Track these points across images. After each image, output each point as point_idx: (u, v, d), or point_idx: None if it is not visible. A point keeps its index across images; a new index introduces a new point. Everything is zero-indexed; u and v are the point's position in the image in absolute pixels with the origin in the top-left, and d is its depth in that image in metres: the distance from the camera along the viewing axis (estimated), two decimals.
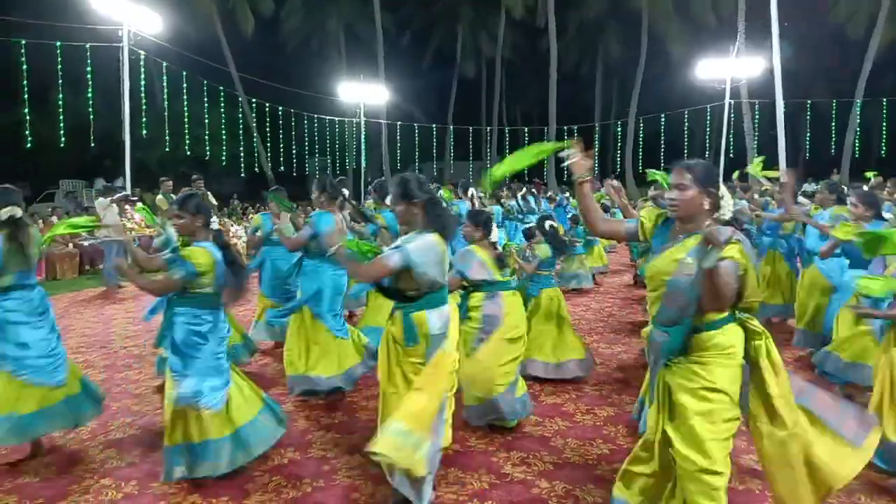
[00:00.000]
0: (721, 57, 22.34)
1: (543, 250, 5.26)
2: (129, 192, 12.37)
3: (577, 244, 9.83)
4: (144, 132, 15.82)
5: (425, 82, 34.28)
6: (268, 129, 24.94)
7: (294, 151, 26.00)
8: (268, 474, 3.83)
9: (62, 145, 15.03)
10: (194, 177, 11.61)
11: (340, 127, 27.43)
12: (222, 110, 21.76)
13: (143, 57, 14.39)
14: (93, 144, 15.68)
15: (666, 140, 27.92)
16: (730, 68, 21.65)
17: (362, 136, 25.66)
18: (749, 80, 23.16)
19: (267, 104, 23.34)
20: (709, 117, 25.56)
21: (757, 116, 24.84)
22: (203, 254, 3.58)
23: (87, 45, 13.74)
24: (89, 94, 14.80)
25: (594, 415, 4.79)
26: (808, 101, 22.80)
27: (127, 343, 7.27)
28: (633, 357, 6.35)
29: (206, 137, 21.40)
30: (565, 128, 30.40)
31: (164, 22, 14.88)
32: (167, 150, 18.70)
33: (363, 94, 25.40)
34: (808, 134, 24.32)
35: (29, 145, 14.22)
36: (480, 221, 4.55)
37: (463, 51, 34.01)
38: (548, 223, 5.45)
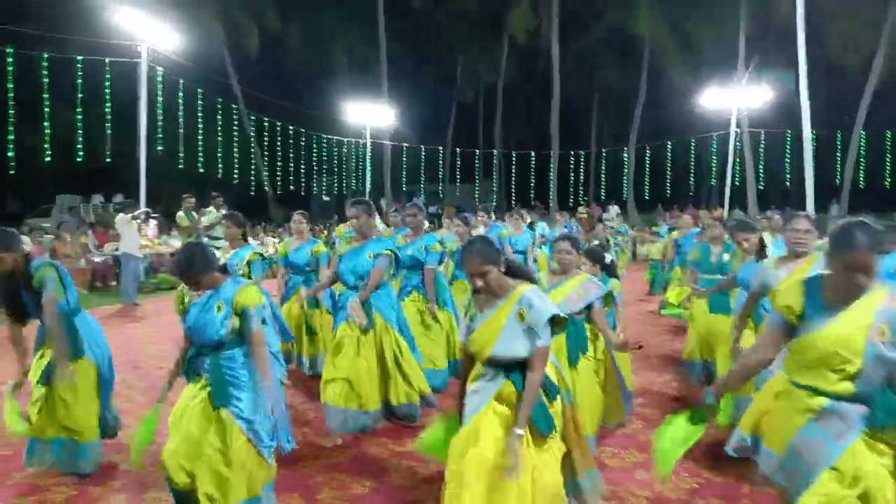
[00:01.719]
0: (723, 86, 22.64)
1: (615, 284, 5.02)
2: (148, 208, 12.25)
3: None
4: (160, 149, 15.69)
5: (425, 104, 34.58)
6: (278, 148, 24.80)
7: (303, 171, 25.91)
8: None
9: (79, 159, 14.82)
10: (214, 194, 11.52)
11: (347, 147, 27.45)
12: (235, 129, 21.56)
13: (160, 73, 14.27)
14: (108, 160, 15.44)
15: (671, 167, 28.17)
16: (736, 98, 21.94)
17: (367, 157, 25.65)
18: (749, 110, 23.49)
19: (278, 123, 23.30)
20: (714, 146, 25.81)
21: (762, 146, 25.14)
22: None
23: (107, 60, 13.61)
24: (107, 110, 14.63)
25: (620, 459, 4.43)
26: (814, 132, 23.04)
27: (160, 363, 7.09)
28: (675, 388, 6.16)
29: (220, 155, 21.25)
30: (570, 153, 30.60)
31: (180, 39, 14.81)
32: (181, 166, 18.51)
33: (369, 115, 25.49)
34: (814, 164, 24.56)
35: (48, 158, 13.96)
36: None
37: (463, 74, 34.35)
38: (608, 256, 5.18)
